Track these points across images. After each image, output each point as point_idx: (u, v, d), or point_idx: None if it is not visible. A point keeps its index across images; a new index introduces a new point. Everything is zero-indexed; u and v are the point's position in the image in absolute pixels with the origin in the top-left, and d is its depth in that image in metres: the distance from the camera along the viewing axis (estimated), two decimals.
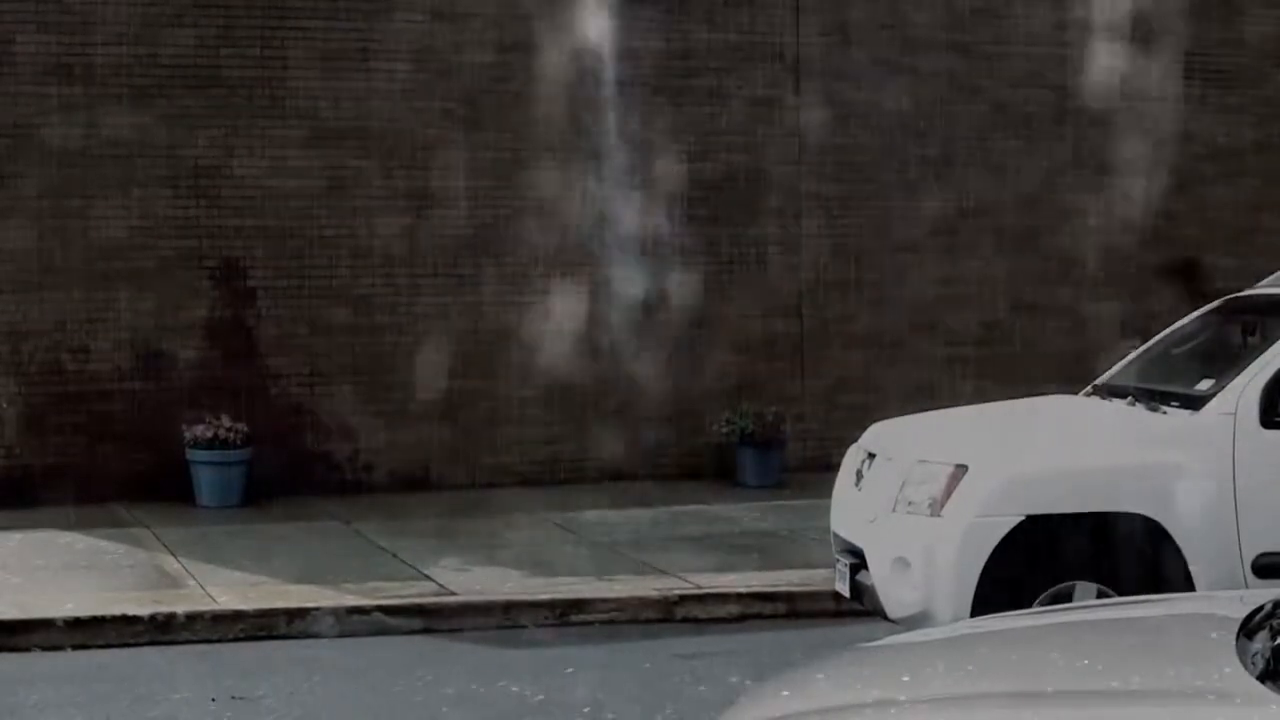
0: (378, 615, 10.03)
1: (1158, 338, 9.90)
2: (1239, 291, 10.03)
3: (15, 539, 11.90)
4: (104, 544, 11.75)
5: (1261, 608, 4.81)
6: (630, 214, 14.58)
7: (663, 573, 10.86)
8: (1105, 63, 15.51)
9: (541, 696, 8.56)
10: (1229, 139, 15.93)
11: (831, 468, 9.59)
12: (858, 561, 8.77)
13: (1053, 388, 10.89)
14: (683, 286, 14.62)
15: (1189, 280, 13.12)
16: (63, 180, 13.46)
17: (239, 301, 13.88)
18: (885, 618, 8.57)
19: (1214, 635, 4.69)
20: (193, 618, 9.85)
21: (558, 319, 14.35)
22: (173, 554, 11.41)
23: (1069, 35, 15.46)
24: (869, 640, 5.88)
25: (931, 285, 15.26)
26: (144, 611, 9.85)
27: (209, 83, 13.68)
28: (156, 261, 13.67)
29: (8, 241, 13.38)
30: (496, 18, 14.25)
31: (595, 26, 14.38)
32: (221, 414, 13.30)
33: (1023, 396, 10.12)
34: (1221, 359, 9.24)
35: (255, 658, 9.43)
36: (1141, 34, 15.50)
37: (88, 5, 13.48)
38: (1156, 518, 8.26)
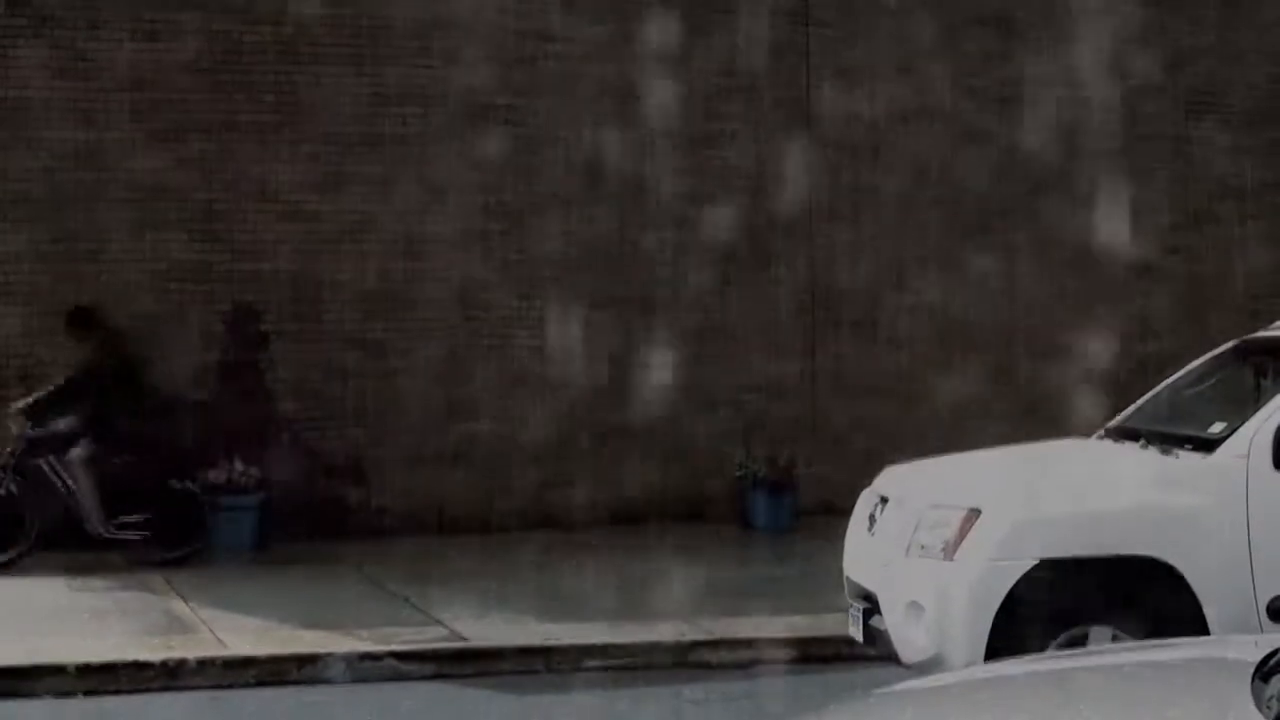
0: (390, 661, 10.00)
1: (1171, 378, 9.88)
2: (1253, 335, 10.00)
3: (26, 583, 11.89)
4: (115, 589, 11.74)
5: (1277, 651, 4.79)
6: (641, 257, 14.61)
7: (675, 617, 10.83)
8: (1115, 104, 15.53)
9: None
10: (1239, 178, 15.93)
11: (844, 511, 9.56)
12: (871, 606, 8.74)
13: (1066, 431, 10.86)
14: (693, 328, 14.64)
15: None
16: (77, 224, 13.51)
17: (251, 345, 13.91)
18: (898, 663, 8.53)
19: (1229, 679, 4.66)
20: (204, 663, 9.83)
21: (569, 362, 14.36)
22: (184, 599, 11.39)
23: (1077, 77, 15.48)
24: (882, 686, 5.86)
25: (944, 327, 15.25)
26: (155, 657, 9.83)
27: (223, 127, 13.75)
28: (169, 305, 13.72)
29: (22, 285, 13.43)
30: (508, 61, 14.30)
31: (608, 72, 14.44)
32: (234, 458, 13.30)
33: (1036, 439, 10.10)
34: (1234, 401, 9.22)
35: (267, 704, 9.41)
36: (1150, 74, 15.51)
37: (102, 51, 13.56)
38: (1170, 561, 8.23)
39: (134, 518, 12.59)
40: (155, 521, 12.59)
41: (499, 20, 14.26)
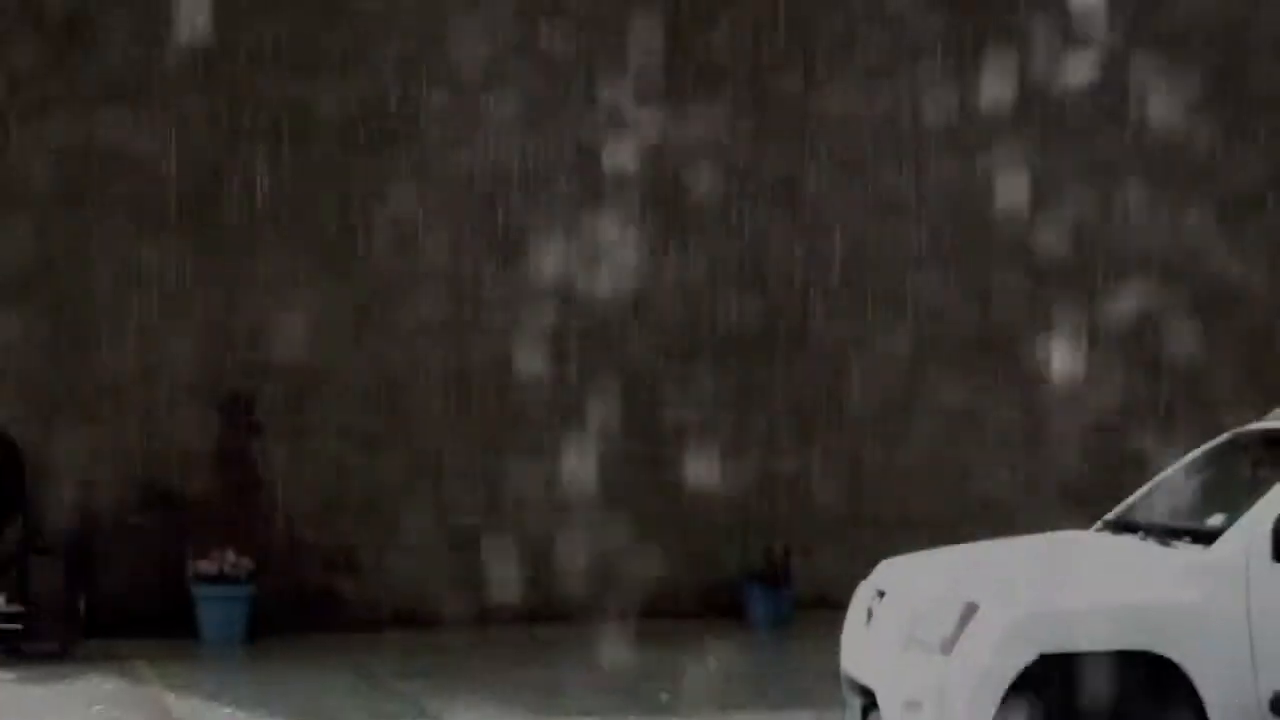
0: None
1: (1168, 471, 9.85)
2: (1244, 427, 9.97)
3: (14, 676, 11.78)
4: (105, 681, 11.62)
5: None
6: (639, 351, 14.58)
7: (675, 715, 10.72)
8: (1135, 206, 15.54)
9: None
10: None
11: (841, 605, 9.48)
12: (869, 702, 8.65)
13: (1064, 522, 10.81)
14: (692, 423, 14.59)
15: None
16: (71, 312, 13.50)
17: (246, 436, 13.86)
18: None
19: None
20: None
21: (565, 457, 14.30)
22: (175, 693, 11.28)
23: (1087, 177, 15.51)
24: None
25: (943, 419, 15.21)
26: None
27: (217, 216, 13.76)
28: (164, 395, 13.68)
29: (15, 373, 13.39)
30: (512, 145, 14.34)
31: (611, 170, 14.46)
32: (227, 548, 13.23)
33: (1035, 531, 10.04)
34: (1233, 493, 9.17)
35: None
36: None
37: (103, 134, 13.57)
38: (1171, 656, 8.14)
39: (10, 608, 12.52)
40: (31, 612, 12.56)
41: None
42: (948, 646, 8.20)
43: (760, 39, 14.84)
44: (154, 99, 13.66)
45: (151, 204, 13.66)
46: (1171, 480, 9.71)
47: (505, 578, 14.10)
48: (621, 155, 14.47)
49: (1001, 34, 15.29)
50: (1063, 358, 15.47)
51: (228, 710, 10.73)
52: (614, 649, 12.86)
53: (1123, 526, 9.25)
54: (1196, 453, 9.87)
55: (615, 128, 14.42)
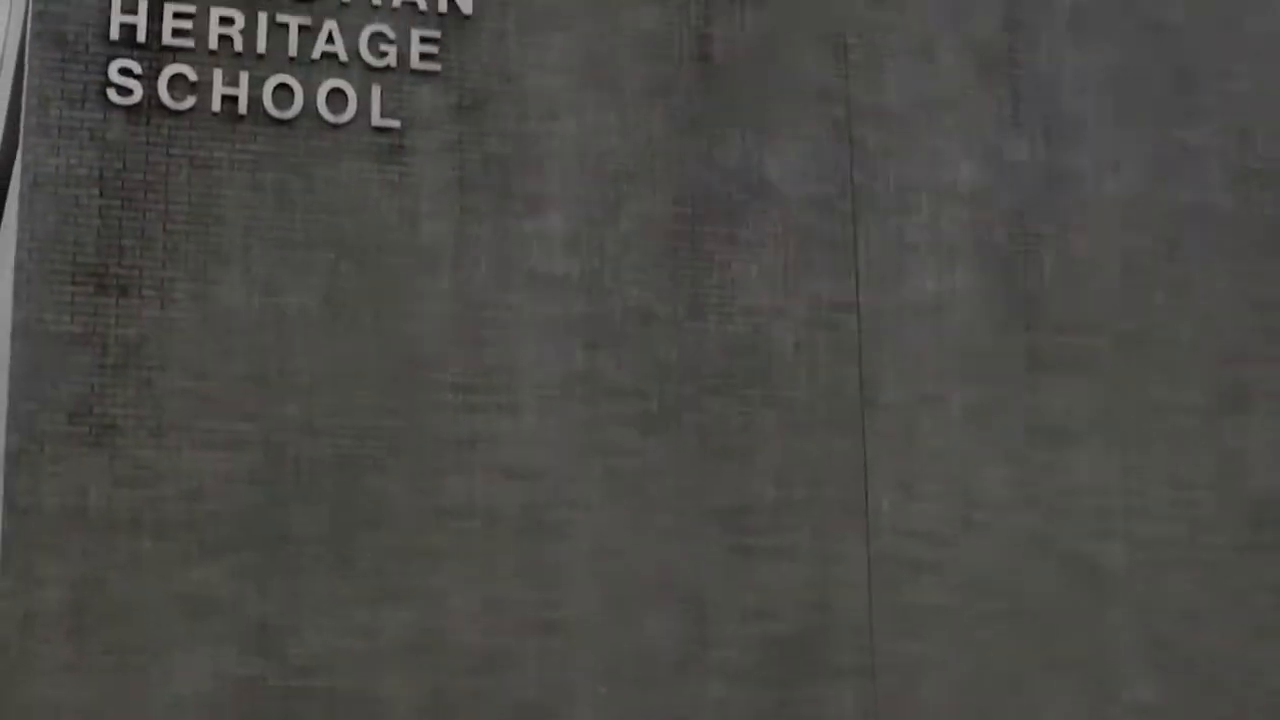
0: None
1: None
2: None
3: None
4: None
5: None
6: (695, 670, 14.30)
7: None
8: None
9: None
10: None
11: None
12: None
13: None
14: None
15: None
16: (129, 636, 13.32)
17: None
18: None
19: None
20: None
21: None
22: None
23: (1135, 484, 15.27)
24: None
25: None
26: None
27: (278, 540, 13.64)
28: (202, 716, 13.43)
29: (73, 701, 13.17)
30: (564, 476, 14.22)
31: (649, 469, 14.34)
32: None
33: None
34: None
35: None
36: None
37: (159, 458, 13.55)
38: None
39: None
40: None
41: (556, 437, 14.26)
42: None
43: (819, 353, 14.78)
44: (224, 418, 13.67)
45: (212, 525, 13.56)
46: None
47: None
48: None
49: None
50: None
51: None
52: None
53: None
54: None
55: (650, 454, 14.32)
